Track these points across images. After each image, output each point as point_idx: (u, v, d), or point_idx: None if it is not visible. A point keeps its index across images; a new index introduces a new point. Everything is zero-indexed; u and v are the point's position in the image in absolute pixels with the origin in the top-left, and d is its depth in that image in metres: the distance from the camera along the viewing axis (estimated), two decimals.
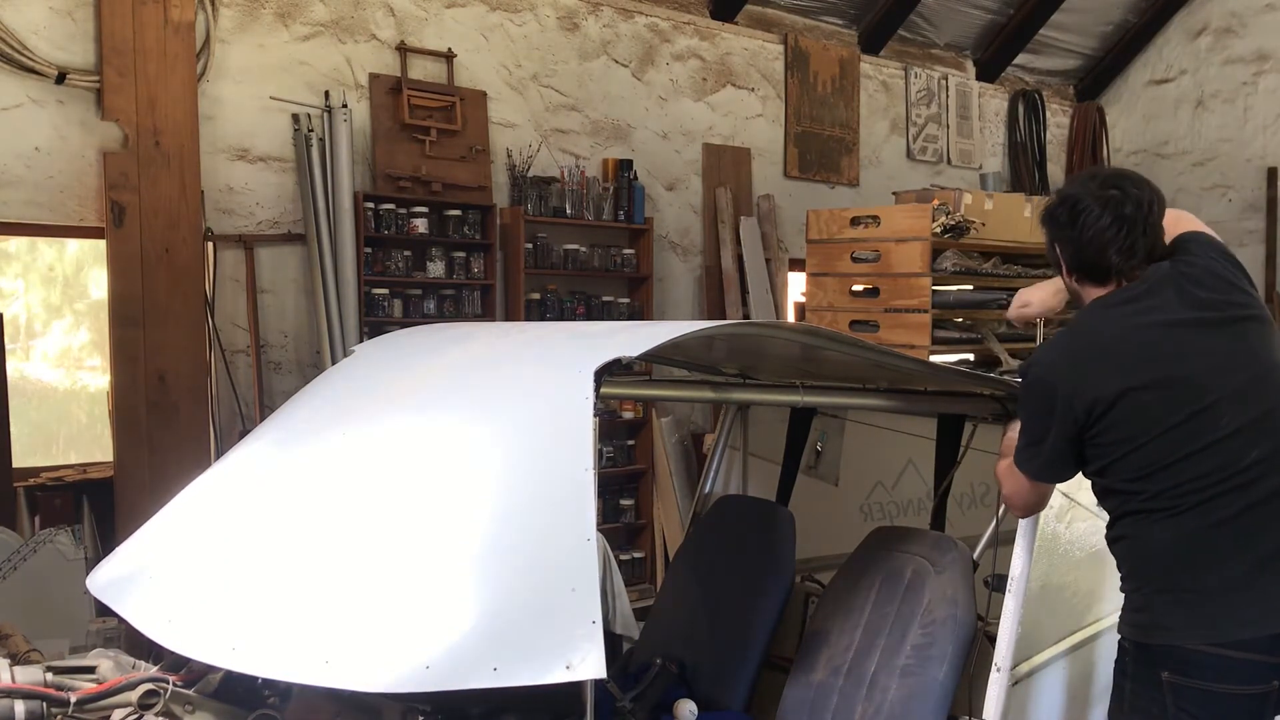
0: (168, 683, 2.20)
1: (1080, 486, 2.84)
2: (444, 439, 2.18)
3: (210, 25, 5.61)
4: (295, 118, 5.83)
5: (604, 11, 7.25)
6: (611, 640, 4.93)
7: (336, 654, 1.85)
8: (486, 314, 6.47)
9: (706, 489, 3.91)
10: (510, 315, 6.54)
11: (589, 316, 6.77)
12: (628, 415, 6.98)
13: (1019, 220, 6.34)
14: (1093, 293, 2.52)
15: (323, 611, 1.94)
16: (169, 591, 2.15)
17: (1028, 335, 6.66)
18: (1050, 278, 2.92)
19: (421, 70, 6.39)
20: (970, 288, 6.21)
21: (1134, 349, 2.39)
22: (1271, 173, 9.66)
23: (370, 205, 5.99)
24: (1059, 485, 2.68)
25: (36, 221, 5.23)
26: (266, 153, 5.83)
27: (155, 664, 2.30)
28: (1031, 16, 9.53)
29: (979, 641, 2.76)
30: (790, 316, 7.56)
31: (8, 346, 5.15)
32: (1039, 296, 2.92)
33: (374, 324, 5.84)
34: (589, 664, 1.78)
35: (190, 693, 2.23)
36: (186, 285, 5.41)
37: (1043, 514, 2.67)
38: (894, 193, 6.89)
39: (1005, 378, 2.86)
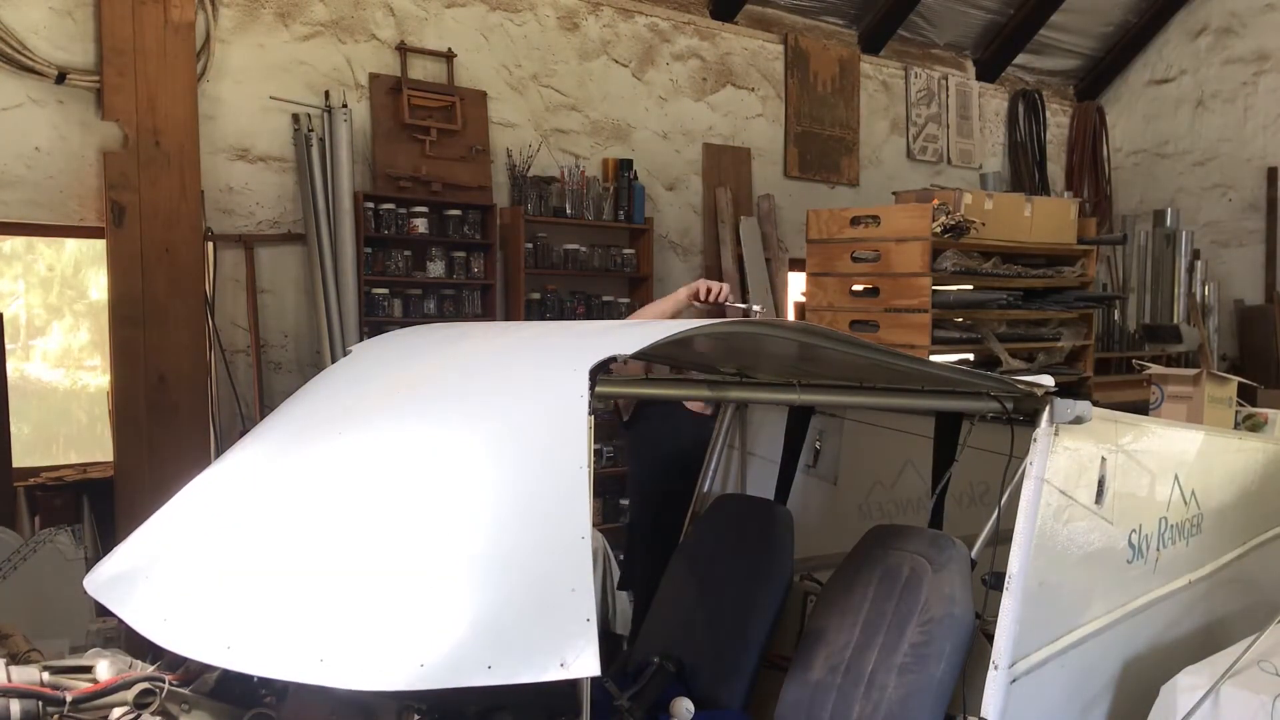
0: (164, 682, 2.20)
1: (1079, 484, 2.84)
2: (439, 437, 2.18)
3: (210, 25, 5.61)
4: (295, 118, 5.84)
5: (604, 11, 7.25)
6: (611, 640, 4.93)
7: (332, 652, 1.85)
8: (486, 314, 6.47)
9: (705, 488, 3.91)
10: (510, 315, 6.54)
11: (589, 316, 6.77)
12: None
13: (1019, 220, 6.34)
14: None
15: (318, 610, 1.93)
16: (165, 591, 2.15)
17: (1029, 335, 6.67)
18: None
19: (421, 70, 6.39)
20: (970, 287, 6.21)
21: None
22: (1271, 173, 9.66)
23: (370, 205, 5.99)
24: (1055, 483, 2.68)
25: (36, 221, 5.24)
26: (266, 153, 5.83)
27: (153, 664, 2.30)
28: (1031, 16, 9.54)
29: (977, 639, 2.76)
30: (791, 316, 7.56)
31: (8, 346, 5.15)
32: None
33: (374, 324, 5.84)
34: (584, 662, 1.77)
35: (186, 692, 2.23)
36: (186, 285, 5.41)
37: (1040, 512, 2.67)
38: (894, 193, 6.89)
39: (1004, 376, 2.85)
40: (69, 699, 2.13)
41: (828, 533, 3.76)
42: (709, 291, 3.76)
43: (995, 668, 2.60)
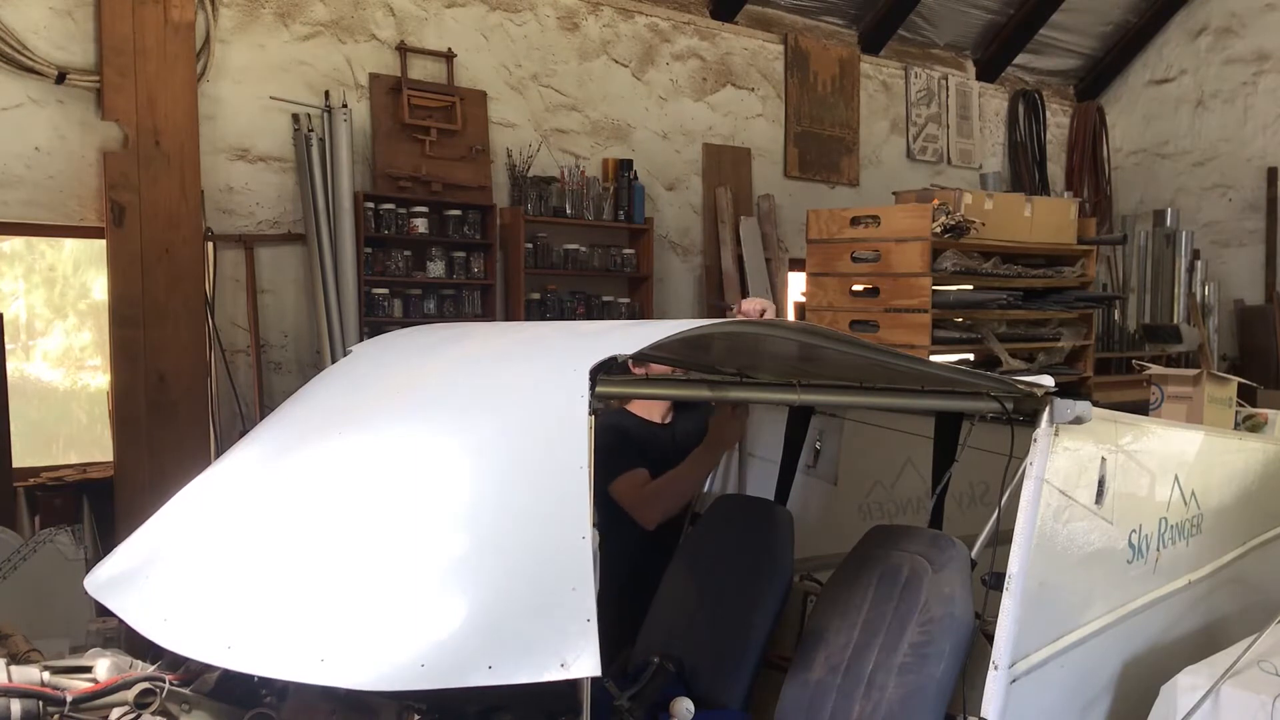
0: (164, 682, 2.20)
1: (1079, 484, 2.83)
2: (440, 437, 2.18)
3: (210, 25, 5.61)
4: (295, 118, 5.84)
5: (604, 11, 7.25)
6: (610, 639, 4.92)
7: (332, 652, 1.85)
8: (486, 314, 6.47)
9: (705, 488, 3.91)
10: (510, 315, 6.54)
11: (589, 316, 6.78)
12: None
13: (1019, 220, 6.34)
14: None
15: (318, 610, 1.93)
16: (165, 591, 2.15)
17: (1029, 335, 6.67)
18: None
19: (421, 70, 6.39)
20: (970, 287, 6.21)
21: None
22: (1271, 173, 9.66)
23: (370, 205, 5.99)
24: (1055, 483, 2.68)
25: (36, 221, 5.24)
26: (266, 153, 5.84)
27: (153, 664, 2.30)
28: (1031, 16, 9.54)
29: (977, 639, 2.75)
30: (791, 316, 7.56)
31: (8, 346, 5.16)
32: None
33: (374, 324, 5.84)
34: (584, 662, 1.77)
35: (187, 692, 2.23)
36: (186, 285, 5.41)
37: (1040, 512, 2.67)
38: (894, 193, 6.89)
39: (1004, 376, 2.85)
40: (69, 699, 2.12)
41: (828, 533, 3.76)
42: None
43: (995, 668, 2.60)
